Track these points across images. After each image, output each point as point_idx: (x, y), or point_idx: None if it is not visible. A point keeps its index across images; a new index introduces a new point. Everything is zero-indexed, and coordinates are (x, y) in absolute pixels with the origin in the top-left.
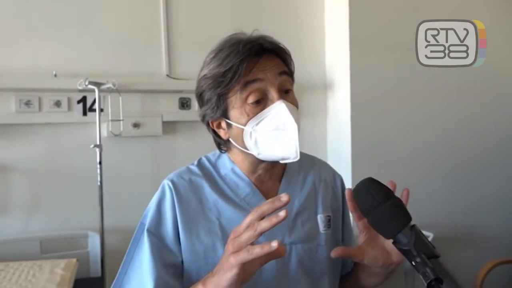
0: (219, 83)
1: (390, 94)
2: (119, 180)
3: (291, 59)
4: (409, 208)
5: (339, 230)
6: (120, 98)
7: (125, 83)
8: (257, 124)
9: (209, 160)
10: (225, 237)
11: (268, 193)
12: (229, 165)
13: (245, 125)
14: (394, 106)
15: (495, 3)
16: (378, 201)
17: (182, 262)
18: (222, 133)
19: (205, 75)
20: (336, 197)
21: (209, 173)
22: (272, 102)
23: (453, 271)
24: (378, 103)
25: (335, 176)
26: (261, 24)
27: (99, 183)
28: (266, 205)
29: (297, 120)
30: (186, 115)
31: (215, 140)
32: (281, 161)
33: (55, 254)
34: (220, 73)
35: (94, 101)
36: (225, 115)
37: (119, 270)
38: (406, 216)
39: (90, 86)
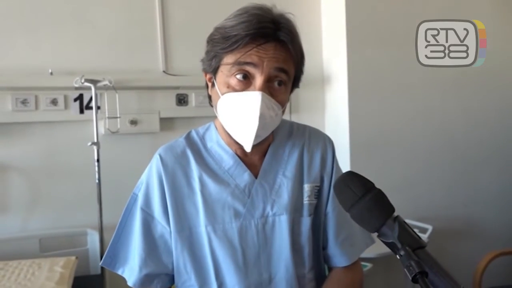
0: (220, 43)
1: (388, 87)
2: (117, 177)
3: (302, 60)
4: (408, 200)
5: (324, 202)
6: (117, 95)
7: (121, 80)
8: (230, 100)
9: (197, 133)
10: (206, 209)
11: (252, 166)
12: (215, 138)
13: (222, 94)
14: (391, 99)
15: (495, 3)
16: (358, 196)
17: (171, 232)
18: (209, 87)
19: (221, 26)
20: (326, 165)
21: (196, 146)
22: (254, 89)
23: (448, 260)
24: (376, 96)
25: (326, 144)
26: None
27: (97, 181)
28: None
29: (266, 116)
30: (183, 111)
31: (207, 93)
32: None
33: (54, 252)
34: (226, 35)
35: (91, 98)
36: (214, 73)
37: (113, 236)
38: (388, 208)
39: (87, 84)
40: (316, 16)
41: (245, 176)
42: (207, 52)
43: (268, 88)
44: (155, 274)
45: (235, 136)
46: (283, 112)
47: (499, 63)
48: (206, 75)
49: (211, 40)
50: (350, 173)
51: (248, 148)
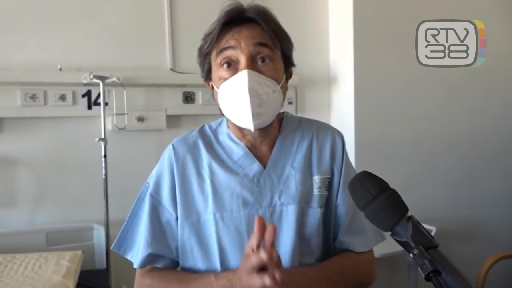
0: (204, 43)
1: (394, 87)
2: (124, 173)
3: (281, 33)
4: (412, 201)
5: (335, 194)
6: (125, 92)
7: (129, 77)
8: (225, 90)
9: (210, 127)
10: (215, 197)
11: (262, 157)
12: (226, 131)
13: (218, 88)
14: (397, 100)
15: (495, 3)
16: (373, 195)
17: (177, 218)
18: (214, 94)
19: (203, 34)
20: (336, 158)
21: (208, 139)
22: (241, 70)
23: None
24: (382, 97)
25: (336, 137)
26: None
27: (104, 176)
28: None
29: (260, 91)
30: (190, 109)
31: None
32: (250, 130)
33: (60, 246)
34: (206, 34)
35: (99, 95)
36: (209, 76)
37: (126, 221)
38: (402, 208)
39: (95, 80)
40: (323, 17)
41: (254, 166)
42: (198, 59)
43: (255, 67)
44: (159, 255)
45: (238, 123)
46: (285, 92)
47: (504, 64)
48: (208, 85)
49: (199, 50)
50: (365, 173)
51: (252, 127)
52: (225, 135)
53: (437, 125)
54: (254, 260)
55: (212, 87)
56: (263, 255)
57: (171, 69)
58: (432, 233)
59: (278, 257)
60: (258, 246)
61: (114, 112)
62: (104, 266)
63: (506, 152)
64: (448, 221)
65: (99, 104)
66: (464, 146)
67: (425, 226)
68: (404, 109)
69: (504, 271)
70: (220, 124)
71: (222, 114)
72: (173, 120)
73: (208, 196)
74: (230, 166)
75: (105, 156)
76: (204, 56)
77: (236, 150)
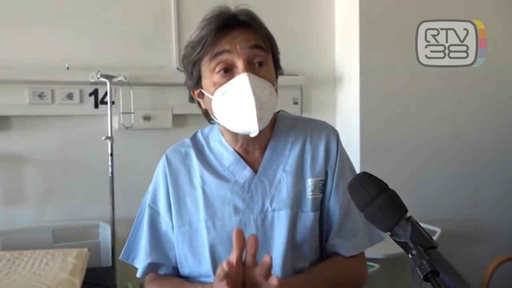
0: (193, 51)
1: (399, 88)
2: (130, 171)
3: (271, 37)
4: (417, 202)
5: (328, 195)
6: (131, 91)
7: (136, 76)
8: (222, 95)
9: (203, 133)
10: (206, 205)
11: (254, 163)
12: (217, 137)
13: (212, 94)
14: (403, 101)
15: (495, 3)
16: (372, 196)
17: (173, 227)
18: (201, 102)
19: (188, 42)
20: (330, 158)
21: (200, 145)
22: (238, 74)
23: (455, 264)
24: (387, 98)
25: (330, 136)
26: (271, 18)
27: (110, 175)
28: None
29: (260, 94)
30: (196, 108)
31: (201, 110)
32: (249, 134)
33: (67, 244)
34: (194, 42)
35: (106, 93)
36: (199, 83)
37: (131, 230)
38: (401, 209)
39: (102, 79)
40: (329, 16)
41: (245, 172)
42: (185, 69)
43: (252, 70)
44: (160, 264)
45: (238, 128)
46: (276, 92)
47: (507, 64)
48: (194, 93)
49: (184, 57)
50: (364, 174)
51: (255, 132)
52: (216, 141)
53: (443, 126)
54: (218, 271)
55: (201, 95)
56: (224, 264)
57: (177, 69)
58: (437, 234)
59: (269, 265)
60: (240, 260)
61: (121, 111)
62: (110, 263)
63: (511, 153)
64: (453, 222)
65: (106, 103)
66: (469, 147)
67: (430, 227)
68: (410, 109)
69: (509, 273)
70: (212, 129)
71: (210, 122)
72: (179, 119)
73: (200, 204)
74: (221, 173)
75: (111, 155)
76: (193, 63)
77: (227, 156)
